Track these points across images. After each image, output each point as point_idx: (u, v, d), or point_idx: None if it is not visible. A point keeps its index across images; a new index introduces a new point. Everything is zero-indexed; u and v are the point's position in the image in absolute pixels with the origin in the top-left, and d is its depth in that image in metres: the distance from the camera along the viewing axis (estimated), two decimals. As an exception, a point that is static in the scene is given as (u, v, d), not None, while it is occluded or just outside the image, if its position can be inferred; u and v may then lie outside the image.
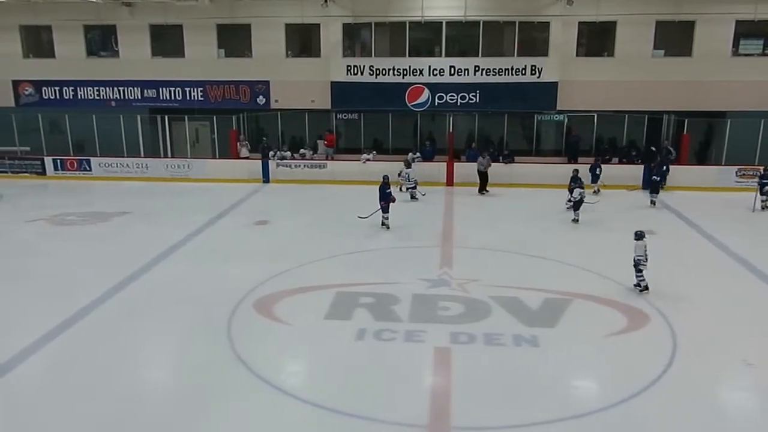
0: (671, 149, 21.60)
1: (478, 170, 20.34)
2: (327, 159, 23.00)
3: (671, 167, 20.35)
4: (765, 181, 17.73)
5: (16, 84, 24.81)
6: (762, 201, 17.73)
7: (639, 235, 11.14)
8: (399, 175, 19.43)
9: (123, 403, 7.58)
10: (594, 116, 22.90)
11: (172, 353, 9.22)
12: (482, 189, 20.31)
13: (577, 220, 16.29)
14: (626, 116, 22.72)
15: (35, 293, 11.26)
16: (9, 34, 24.27)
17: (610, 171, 21.21)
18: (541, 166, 21.75)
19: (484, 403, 7.62)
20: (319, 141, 23.86)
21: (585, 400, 7.89)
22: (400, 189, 19.24)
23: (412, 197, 19.23)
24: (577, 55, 22.36)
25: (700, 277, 12.29)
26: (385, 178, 15.77)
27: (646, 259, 11.00)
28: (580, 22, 22.00)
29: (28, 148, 24.25)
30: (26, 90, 24.87)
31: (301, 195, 20.28)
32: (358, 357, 8.90)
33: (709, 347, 9.10)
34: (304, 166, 22.49)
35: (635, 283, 11.23)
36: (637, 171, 20.95)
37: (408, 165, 19.54)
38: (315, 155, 23.25)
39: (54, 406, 7.54)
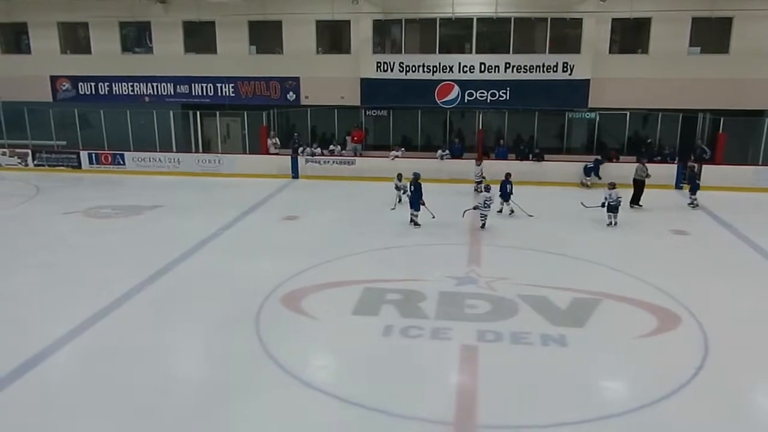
0: (705, 148, 21.15)
1: (634, 179, 17.90)
2: (355, 155, 23.07)
3: (704, 167, 19.95)
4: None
5: (53, 79, 25.40)
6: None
7: (486, 189, 15.40)
8: (396, 187, 17.78)
9: (151, 394, 7.73)
10: (626, 114, 22.55)
11: (200, 346, 9.35)
12: (635, 201, 17.80)
13: (613, 224, 15.80)
14: (660, 114, 22.32)
15: (70, 284, 11.56)
16: (47, 30, 24.89)
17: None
18: (571, 164, 21.47)
19: (510, 402, 7.58)
20: (347, 137, 23.92)
21: (613, 402, 7.79)
22: (399, 200, 17.61)
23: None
24: (610, 52, 21.98)
25: (733, 279, 12.03)
26: (416, 175, 15.80)
27: (486, 206, 15.09)
28: (613, 19, 21.62)
29: (64, 143, 24.90)
30: (63, 85, 25.43)
31: (330, 191, 20.37)
32: (385, 353, 8.92)
33: (742, 352, 8.91)
34: (333, 162, 22.59)
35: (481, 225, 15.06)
36: (670, 170, 20.60)
37: (400, 178, 17.70)
38: (344, 152, 23.33)
39: (84, 396, 7.73)
